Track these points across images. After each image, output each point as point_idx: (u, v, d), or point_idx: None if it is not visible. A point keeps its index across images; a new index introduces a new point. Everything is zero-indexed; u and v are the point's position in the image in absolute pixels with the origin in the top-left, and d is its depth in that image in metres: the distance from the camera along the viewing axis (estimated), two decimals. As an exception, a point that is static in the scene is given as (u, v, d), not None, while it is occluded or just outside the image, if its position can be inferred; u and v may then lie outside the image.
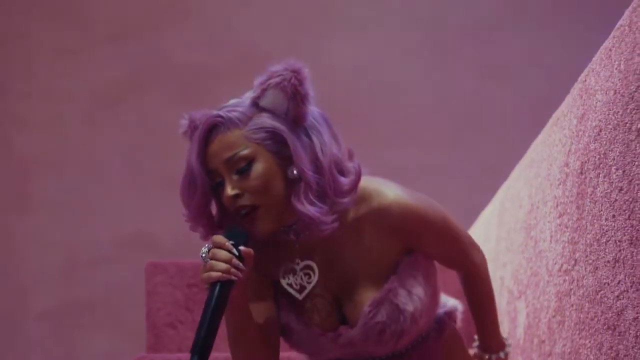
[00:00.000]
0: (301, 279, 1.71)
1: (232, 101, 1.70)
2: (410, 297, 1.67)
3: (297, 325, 1.71)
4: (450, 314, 1.85)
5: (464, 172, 4.04)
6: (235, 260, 1.56)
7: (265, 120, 1.66)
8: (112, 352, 4.01)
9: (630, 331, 1.41)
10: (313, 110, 1.69)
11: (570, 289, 1.71)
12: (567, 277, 1.73)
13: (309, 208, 1.63)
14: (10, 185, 4.25)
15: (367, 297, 1.68)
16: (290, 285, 1.72)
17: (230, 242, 1.58)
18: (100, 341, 4.10)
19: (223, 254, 1.56)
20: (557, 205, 1.80)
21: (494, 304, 1.85)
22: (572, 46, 4.17)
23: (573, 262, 1.69)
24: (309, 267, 1.71)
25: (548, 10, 4.40)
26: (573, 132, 1.72)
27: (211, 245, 1.58)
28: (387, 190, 1.70)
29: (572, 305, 1.70)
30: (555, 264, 1.80)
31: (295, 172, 1.64)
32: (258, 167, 1.64)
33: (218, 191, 1.67)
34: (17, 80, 4.35)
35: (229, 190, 1.63)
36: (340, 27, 4.41)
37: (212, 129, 1.67)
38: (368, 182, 1.70)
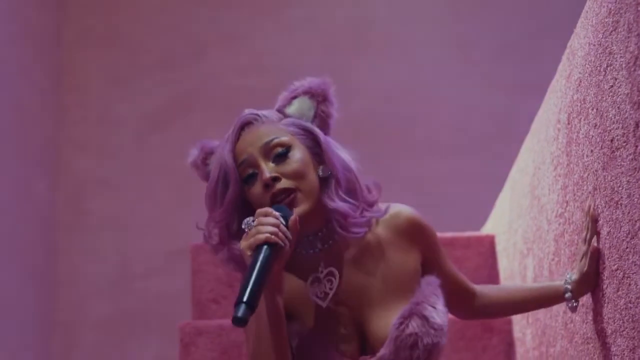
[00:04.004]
0: (324, 286, 1.67)
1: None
2: (437, 311, 1.63)
3: (319, 350, 1.65)
4: None
5: (496, 181, 4.23)
6: (283, 227, 1.54)
7: (297, 120, 1.71)
8: (164, 356, 4.24)
9: (608, 247, 1.62)
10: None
11: (564, 229, 1.92)
12: (561, 220, 1.94)
13: (340, 204, 1.63)
14: (70, 203, 4.51)
15: (393, 311, 1.64)
16: (315, 294, 1.67)
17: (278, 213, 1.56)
18: (152, 349, 4.32)
19: (271, 219, 1.53)
20: (552, 160, 2.02)
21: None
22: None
23: (565, 204, 1.91)
24: (331, 273, 1.67)
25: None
26: (563, 92, 1.95)
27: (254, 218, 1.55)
28: (400, 205, 1.76)
29: (566, 243, 1.91)
30: (553, 212, 2.01)
31: (324, 171, 1.66)
32: (296, 153, 1.65)
33: (247, 187, 1.64)
34: (74, 107, 4.63)
35: (267, 173, 1.61)
36: (375, 47, 4.67)
37: (245, 126, 1.70)
38: (382, 203, 1.74)
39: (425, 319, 1.61)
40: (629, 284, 1.50)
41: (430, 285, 1.68)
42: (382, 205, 1.73)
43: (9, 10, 4.00)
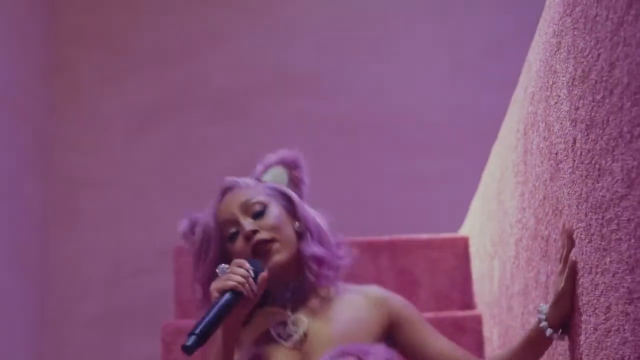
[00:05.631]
0: (290, 329, 1.85)
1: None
2: None
3: None
4: None
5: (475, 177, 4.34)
6: (251, 280, 1.72)
7: (272, 184, 1.95)
8: (154, 354, 4.38)
9: (555, 254, 1.77)
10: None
11: (522, 235, 2.08)
12: (519, 225, 2.10)
13: (316, 249, 1.86)
14: (61, 202, 4.63)
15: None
16: (279, 334, 1.85)
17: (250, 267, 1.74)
18: (143, 346, 4.42)
19: (242, 271, 1.72)
20: (513, 167, 2.17)
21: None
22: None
23: (523, 211, 2.06)
24: (299, 319, 1.85)
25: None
26: (521, 103, 2.10)
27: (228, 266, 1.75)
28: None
29: (524, 247, 2.06)
30: (513, 217, 2.17)
31: (298, 225, 1.88)
32: (273, 210, 1.88)
33: (230, 244, 1.85)
34: (64, 105, 4.74)
35: (247, 227, 1.83)
36: (364, 46, 4.80)
37: (227, 191, 1.93)
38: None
39: None
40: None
41: (382, 351, 1.74)
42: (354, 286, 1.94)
43: (-1, 11, 4.12)
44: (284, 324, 1.85)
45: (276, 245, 1.83)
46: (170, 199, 4.64)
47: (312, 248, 1.85)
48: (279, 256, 1.82)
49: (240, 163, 4.62)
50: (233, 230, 1.86)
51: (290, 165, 1.98)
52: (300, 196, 1.96)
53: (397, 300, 1.90)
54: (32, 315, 4.40)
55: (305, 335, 1.83)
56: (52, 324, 4.49)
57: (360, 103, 4.66)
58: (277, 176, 1.96)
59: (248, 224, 1.84)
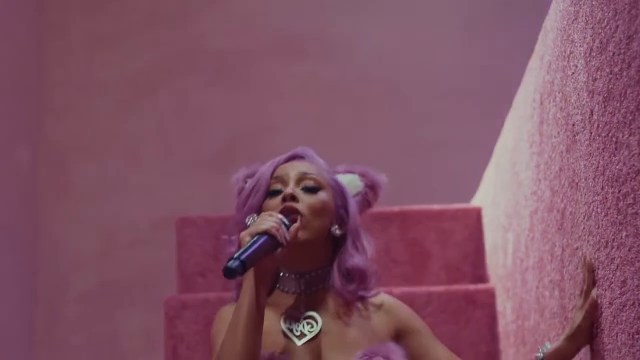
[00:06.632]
0: (303, 327, 1.85)
1: None
2: None
3: None
4: None
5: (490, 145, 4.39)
6: (284, 228, 1.75)
7: (340, 180, 1.97)
8: (150, 330, 4.44)
9: (571, 227, 1.86)
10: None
11: (537, 207, 2.16)
12: (535, 197, 2.19)
13: (358, 259, 1.89)
14: (52, 172, 4.67)
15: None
16: (290, 330, 1.85)
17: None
18: (138, 320, 4.49)
19: (274, 218, 1.76)
20: (528, 138, 2.26)
21: None
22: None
23: (538, 182, 2.15)
24: (312, 317, 1.86)
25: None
26: (537, 71, 2.18)
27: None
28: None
29: (538, 220, 2.15)
30: (528, 188, 2.25)
31: (338, 231, 1.89)
32: (324, 195, 1.89)
33: (267, 198, 1.88)
34: (53, 70, 4.77)
35: (290, 190, 1.85)
36: (372, 9, 4.85)
37: (295, 156, 1.96)
38: None
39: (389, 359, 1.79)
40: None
41: (398, 349, 1.85)
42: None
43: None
44: (296, 319, 1.86)
45: (304, 222, 1.83)
46: (167, 167, 4.69)
47: (354, 258, 1.88)
48: (303, 233, 1.82)
49: (241, 130, 4.73)
50: (278, 187, 1.88)
51: (369, 184, 2.00)
52: (366, 208, 2.00)
53: (405, 311, 1.95)
54: (23, 290, 4.46)
55: (318, 334, 1.85)
56: (45, 299, 4.55)
57: (368, 67, 4.70)
58: (351, 183, 1.99)
59: (293, 189, 1.87)
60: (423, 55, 4.73)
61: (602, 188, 1.60)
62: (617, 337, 1.54)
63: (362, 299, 1.90)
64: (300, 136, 4.19)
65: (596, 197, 1.64)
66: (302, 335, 1.83)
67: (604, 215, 1.60)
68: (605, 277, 1.60)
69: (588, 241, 1.72)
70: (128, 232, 4.62)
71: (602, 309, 1.62)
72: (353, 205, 1.94)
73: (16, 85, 4.50)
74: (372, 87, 4.69)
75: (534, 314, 2.21)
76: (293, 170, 1.90)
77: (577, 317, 1.68)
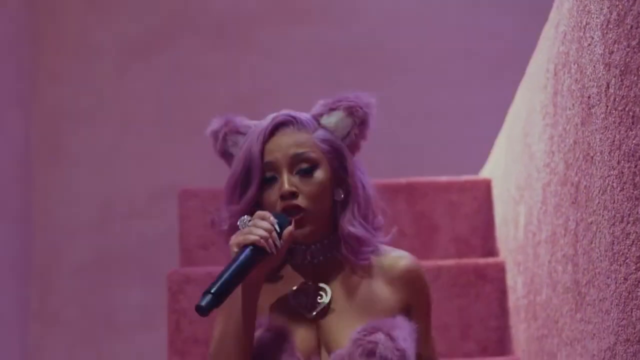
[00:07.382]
0: (312, 298, 1.86)
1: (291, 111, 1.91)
2: (405, 341, 1.79)
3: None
4: None
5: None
6: (275, 234, 1.75)
7: (331, 135, 1.90)
8: (147, 303, 4.50)
9: (585, 201, 1.91)
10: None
11: (550, 179, 2.22)
12: (548, 170, 2.24)
13: (360, 230, 1.86)
14: (46, 139, 4.70)
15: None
16: (299, 302, 1.86)
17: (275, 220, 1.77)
18: (135, 293, 4.53)
19: (266, 224, 1.74)
20: (541, 109, 2.31)
21: None
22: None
23: (552, 155, 2.20)
24: (321, 288, 1.87)
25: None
26: (551, 41, 2.22)
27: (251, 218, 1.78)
28: (406, 252, 1.94)
29: (551, 193, 2.21)
30: (541, 161, 2.31)
31: (342, 195, 1.87)
32: (320, 175, 1.86)
33: (263, 187, 1.85)
34: (49, 33, 4.78)
35: (287, 186, 1.83)
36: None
37: (280, 125, 1.89)
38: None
39: (390, 337, 1.77)
40: (600, 238, 1.80)
41: (406, 324, 1.83)
42: (386, 247, 1.93)
43: None
44: (305, 292, 1.88)
45: (308, 217, 1.83)
46: (165, 134, 4.71)
47: (356, 227, 1.86)
48: (304, 230, 1.83)
49: (243, 95, 4.76)
50: (272, 175, 1.86)
51: (357, 119, 1.93)
52: (354, 152, 1.95)
53: (422, 291, 1.92)
54: (16, 262, 4.50)
55: (328, 305, 1.86)
56: (39, 272, 4.59)
57: (373, 31, 4.72)
58: (339, 125, 1.92)
59: (289, 182, 1.85)
60: (429, 16, 4.75)
61: (618, 162, 1.66)
62: (631, 312, 1.60)
63: (379, 266, 1.90)
64: (303, 100, 4.21)
65: (612, 172, 1.70)
66: (312, 307, 1.85)
67: (620, 190, 1.65)
68: (621, 253, 1.65)
69: (603, 216, 1.77)
70: (125, 202, 4.64)
71: (617, 285, 1.68)
72: (350, 160, 1.90)
73: (9, 48, 4.51)
74: (377, 51, 4.72)
75: (546, 289, 2.27)
76: (282, 151, 1.86)
77: None
